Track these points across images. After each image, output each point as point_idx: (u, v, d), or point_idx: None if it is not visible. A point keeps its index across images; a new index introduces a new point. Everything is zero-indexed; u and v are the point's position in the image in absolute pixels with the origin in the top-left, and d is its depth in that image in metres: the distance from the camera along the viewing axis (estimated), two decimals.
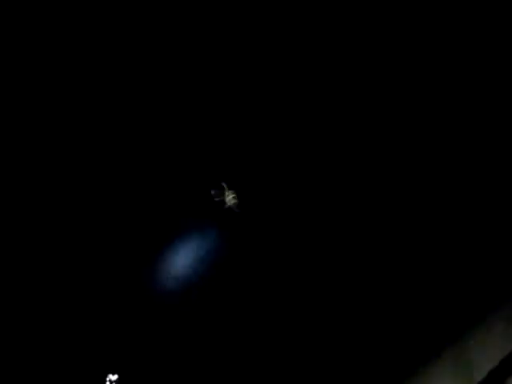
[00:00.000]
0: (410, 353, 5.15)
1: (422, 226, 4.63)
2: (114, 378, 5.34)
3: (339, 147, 4.30)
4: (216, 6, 3.57)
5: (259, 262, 5.07)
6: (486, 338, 4.32)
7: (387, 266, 4.91)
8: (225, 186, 4.39)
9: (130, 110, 4.03)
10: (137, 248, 4.99)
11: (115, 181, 4.40)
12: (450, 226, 4.56)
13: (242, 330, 5.64)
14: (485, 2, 3.53)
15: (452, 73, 3.82)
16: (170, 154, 4.30)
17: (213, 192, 4.33)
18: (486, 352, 4.27)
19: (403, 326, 5.13)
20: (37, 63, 3.67)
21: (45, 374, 5.78)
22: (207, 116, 4.11)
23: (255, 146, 4.30)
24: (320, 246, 4.89)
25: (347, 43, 3.73)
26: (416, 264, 4.81)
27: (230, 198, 4.36)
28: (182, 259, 5.08)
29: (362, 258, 4.91)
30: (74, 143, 4.10)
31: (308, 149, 4.29)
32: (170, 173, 4.42)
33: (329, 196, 4.53)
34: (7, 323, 5.30)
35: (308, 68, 3.87)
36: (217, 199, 4.33)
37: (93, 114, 3.96)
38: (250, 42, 3.70)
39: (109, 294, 5.29)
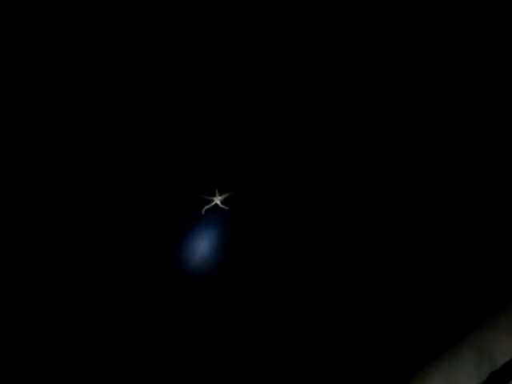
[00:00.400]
0: (429, 344, 5.13)
1: (435, 221, 4.63)
2: None
3: (337, 150, 4.29)
4: (216, 5, 3.58)
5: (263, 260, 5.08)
6: (504, 327, 4.31)
7: (401, 258, 4.90)
8: (217, 191, 4.61)
9: (127, 112, 4.05)
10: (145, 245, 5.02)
11: (117, 179, 4.43)
12: (462, 220, 4.56)
13: (244, 329, 5.65)
14: (485, 2, 3.51)
15: (452, 73, 3.80)
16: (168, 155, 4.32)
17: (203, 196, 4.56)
18: (508, 337, 4.27)
19: (420, 318, 5.12)
20: (37, 63, 3.69)
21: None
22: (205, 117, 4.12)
23: (254, 148, 4.31)
24: (321, 246, 4.89)
25: (347, 43, 3.72)
26: (430, 259, 4.81)
27: (218, 199, 4.61)
28: (190, 257, 5.10)
29: (373, 253, 4.91)
30: (74, 143, 4.12)
31: (307, 150, 4.29)
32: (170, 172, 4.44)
33: (328, 196, 4.53)
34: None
35: (306, 69, 3.86)
36: (205, 197, 4.56)
37: (90, 115, 3.98)
38: (248, 42, 3.70)
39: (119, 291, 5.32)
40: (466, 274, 4.73)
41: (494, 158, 4.13)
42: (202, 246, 5.04)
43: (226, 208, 4.65)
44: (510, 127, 3.91)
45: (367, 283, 5.09)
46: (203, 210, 4.68)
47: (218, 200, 4.62)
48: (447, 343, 4.93)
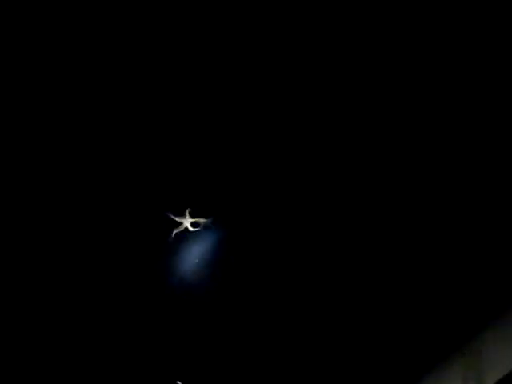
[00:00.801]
0: (419, 357, 5.13)
1: (428, 228, 4.62)
2: None
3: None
4: (216, 6, 3.58)
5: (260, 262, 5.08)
6: (497, 341, 4.29)
7: (392, 268, 4.89)
8: (187, 212, 4.61)
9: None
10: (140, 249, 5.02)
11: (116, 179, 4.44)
12: (456, 228, 4.55)
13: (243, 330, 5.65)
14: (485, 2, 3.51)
15: (452, 73, 3.80)
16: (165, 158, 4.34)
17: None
18: (497, 356, 4.25)
19: (411, 330, 5.11)
20: (37, 63, 3.70)
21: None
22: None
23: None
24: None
25: (347, 43, 3.72)
26: (423, 266, 4.79)
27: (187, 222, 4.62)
28: (185, 259, 5.11)
29: (364, 261, 4.91)
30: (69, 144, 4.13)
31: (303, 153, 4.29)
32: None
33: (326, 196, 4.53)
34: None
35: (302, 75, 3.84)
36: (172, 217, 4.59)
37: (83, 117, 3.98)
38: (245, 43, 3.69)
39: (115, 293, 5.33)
40: (456, 290, 4.71)
41: (494, 159, 4.13)
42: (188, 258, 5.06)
43: (197, 229, 4.62)
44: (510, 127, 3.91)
45: (356, 293, 5.09)
46: (172, 234, 4.64)
47: (187, 223, 4.58)
48: (436, 358, 4.90)
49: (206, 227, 4.63)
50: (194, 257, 4.97)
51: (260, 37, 3.72)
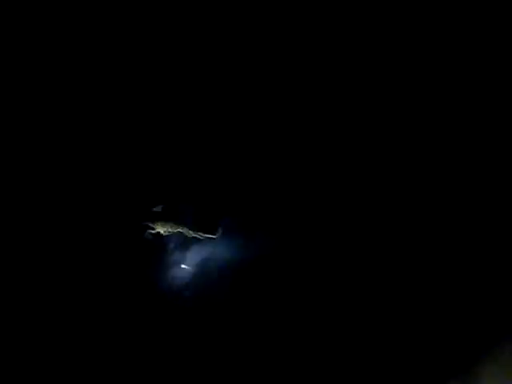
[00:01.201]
0: (418, 379, 5.09)
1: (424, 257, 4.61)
2: None
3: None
4: (216, 6, 3.58)
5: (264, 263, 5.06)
6: (494, 364, 4.26)
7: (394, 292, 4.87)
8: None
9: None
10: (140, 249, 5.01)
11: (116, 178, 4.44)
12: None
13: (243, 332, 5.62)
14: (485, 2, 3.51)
15: (452, 73, 3.79)
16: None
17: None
18: (495, 378, 4.22)
19: (412, 354, 5.08)
20: (37, 63, 3.70)
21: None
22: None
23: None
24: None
25: (347, 43, 3.72)
26: (422, 291, 4.78)
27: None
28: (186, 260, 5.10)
29: (364, 284, 4.89)
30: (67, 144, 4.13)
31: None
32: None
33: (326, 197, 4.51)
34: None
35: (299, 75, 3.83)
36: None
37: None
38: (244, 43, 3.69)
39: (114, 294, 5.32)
40: (459, 312, 4.69)
41: (494, 159, 4.10)
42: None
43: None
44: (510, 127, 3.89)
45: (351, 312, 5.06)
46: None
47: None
48: (434, 380, 4.85)
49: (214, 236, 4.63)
50: (194, 263, 4.97)
51: (260, 37, 3.72)
